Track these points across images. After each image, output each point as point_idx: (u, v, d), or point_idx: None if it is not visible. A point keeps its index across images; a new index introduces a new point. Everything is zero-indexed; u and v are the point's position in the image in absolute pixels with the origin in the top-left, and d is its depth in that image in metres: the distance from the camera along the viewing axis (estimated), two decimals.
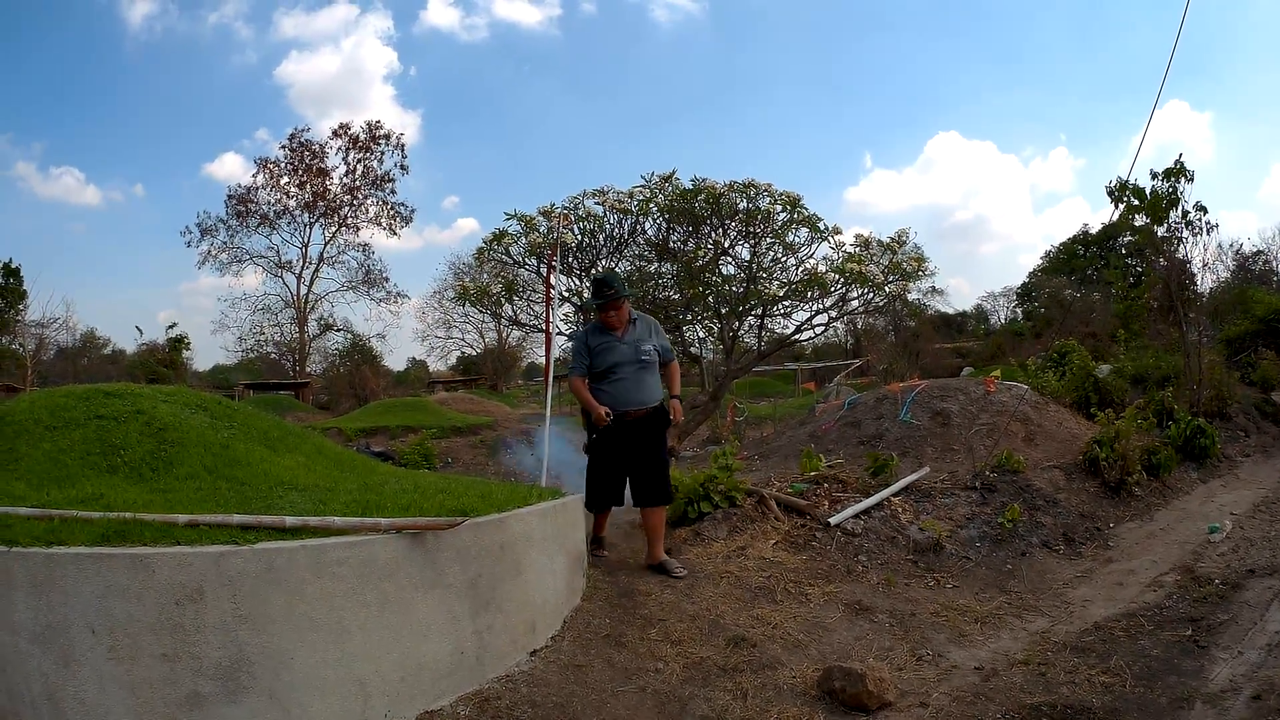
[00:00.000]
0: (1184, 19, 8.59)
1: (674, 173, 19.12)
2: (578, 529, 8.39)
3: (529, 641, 7.03)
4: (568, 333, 20.38)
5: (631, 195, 19.08)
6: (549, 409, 14.56)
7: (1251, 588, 8.59)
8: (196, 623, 5.07)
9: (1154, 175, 18.74)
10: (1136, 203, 18.87)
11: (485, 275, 21.53)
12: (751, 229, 18.98)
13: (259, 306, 65.40)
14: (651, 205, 19.02)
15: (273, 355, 68.79)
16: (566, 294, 19.60)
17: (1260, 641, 7.17)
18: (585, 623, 7.71)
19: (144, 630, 5.00)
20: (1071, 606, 8.75)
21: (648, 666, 7.00)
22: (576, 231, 19.17)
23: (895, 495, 11.30)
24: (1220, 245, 45.50)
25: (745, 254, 19.60)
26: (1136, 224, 20.69)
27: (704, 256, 18.78)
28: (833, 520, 10.32)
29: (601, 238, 19.66)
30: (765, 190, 18.56)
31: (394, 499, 6.91)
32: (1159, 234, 20.19)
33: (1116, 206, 19.15)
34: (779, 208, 18.65)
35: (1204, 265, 21.86)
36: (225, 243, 64.24)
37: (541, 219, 19.10)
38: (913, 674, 7.04)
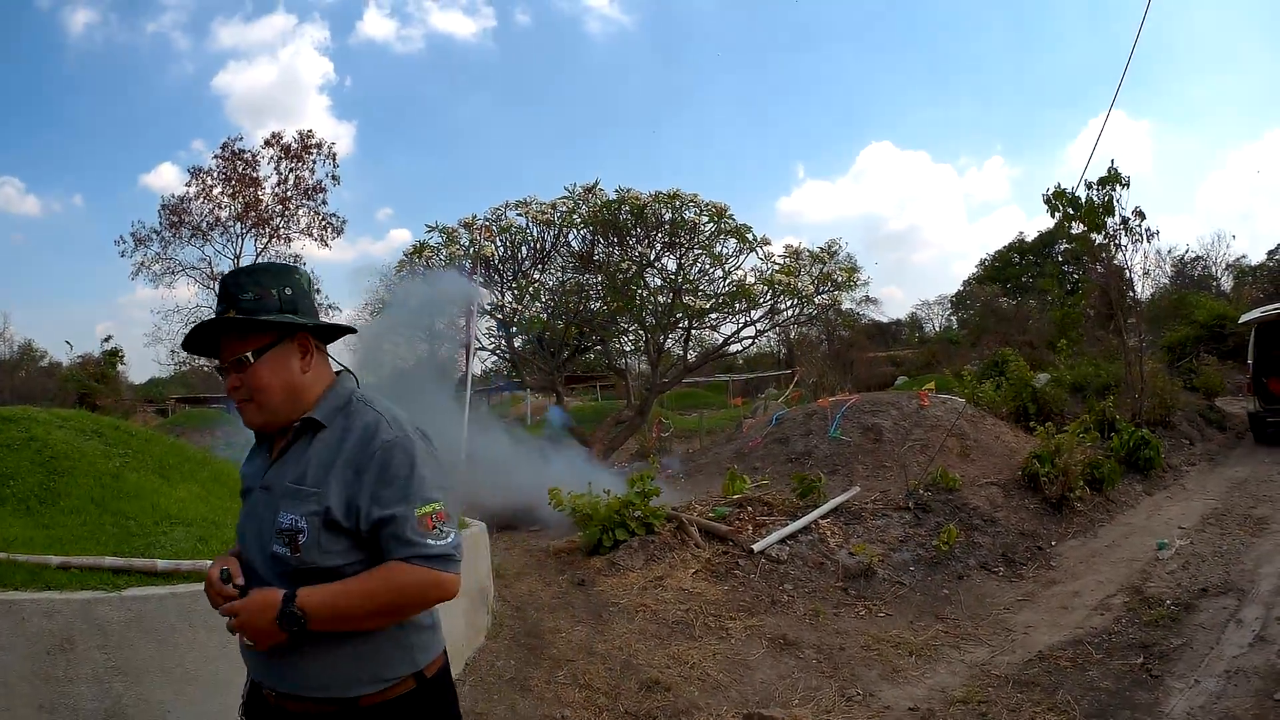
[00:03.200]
0: (1140, 31, 8.18)
1: (597, 183, 18.87)
2: (480, 562, 7.94)
3: None
4: (490, 347, 19.91)
5: (554, 206, 18.75)
6: (465, 428, 13.92)
7: (1205, 609, 8.17)
8: (69, 673, 4.89)
9: (1088, 185, 18.58)
10: (1072, 211, 18.62)
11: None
12: (677, 240, 18.59)
13: (192, 319, 64.64)
14: (575, 216, 18.64)
15: (206, 369, 67.95)
16: (488, 307, 19.11)
17: (1218, 668, 6.73)
18: (489, 665, 7.25)
19: (19, 679, 4.82)
20: (1013, 634, 8.25)
21: (553, 714, 6.49)
22: (499, 243, 18.74)
23: (824, 518, 10.82)
24: (1159, 252, 45.92)
25: (671, 265, 19.26)
26: (1074, 231, 20.48)
27: (628, 270, 18.33)
28: (756, 547, 9.79)
29: (525, 249, 19.26)
30: (691, 201, 18.29)
31: None
32: (1097, 241, 20.03)
33: (1053, 215, 18.89)
34: (705, 218, 18.30)
35: (1144, 273, 21.80)
36: (159, 254, 63.50)
37: (463, 230, 18.67)
38: (841, 717, 6.48)
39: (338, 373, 3.17)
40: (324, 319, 3.15)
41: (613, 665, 7.23)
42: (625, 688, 6.84)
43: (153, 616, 5.09)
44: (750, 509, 11.19)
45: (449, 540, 2.82)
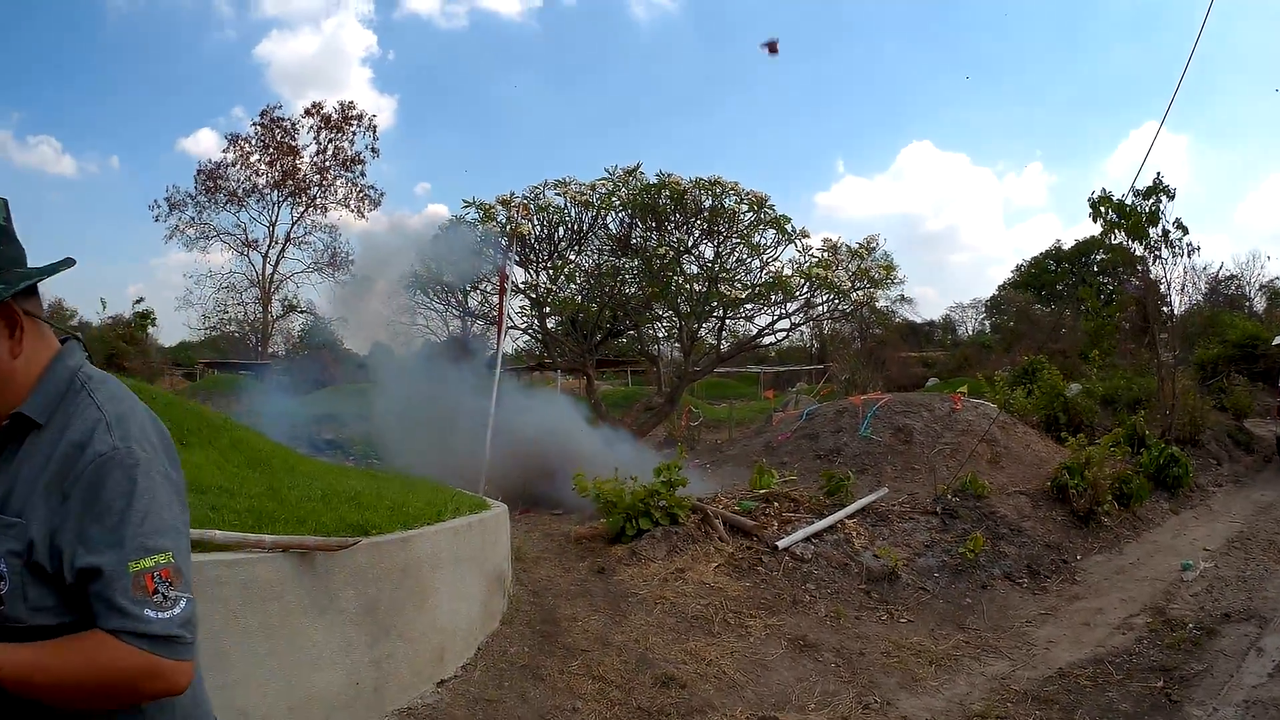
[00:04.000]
0: (1192, 54, 8.13)
1: (638, 166, 18.77)
2: (499, 545, 7.85)
3: (436, 671, 6.48)
4: (522, 326, 19.90)
5: (594, 188, 18.67)
6: (493, 406, 13.88)
7: (1227, 634, 8.07)
8: None
9: (1135, 193, 18.36)
10: (1116, 218, 18.42)
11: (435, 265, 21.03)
12: (716, 227, 18.51)
13: (224, 284, 64.73)
14: (614, 199, 18.57)
15: (236, 334, 68.00)
16: (523, 285, 19.09)
17: (1236, 697, 6.66)
18: (501, 650, 7.14)
19: None
20: (1034, 648, 8.18)
21: (564, 705, 6.44)
22: (536, 222, 18.69)
23: (850, 517, 10.74)
24: (1194, 268, 45.61)
25: (709, 253, 19.19)
26: (1115, 240, 20.28)
27: (665, 256, 18.25)
28: (781, 544, 9.72)
29: (562, 230, 19.21)
30: (731, 189, 18.15)
31: (294, 508, 6.34)
32: (1137, 252, 19.84)
33: (1095, 220, 18.68)
34: (745, 207, 18.22)
35: (1181, 289, 21.58)
36: (193, 218, 63.57)
37: (500, 208, 18.62)
38: None
39: (63, 341, 2.36)
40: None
41: (628, 658, 7.18)
42: (639, 681, 6.80)
43: None
44: (777, 504, 11.09)
45: (176, 611, 2.02)
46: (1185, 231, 18.89)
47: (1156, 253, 19.38)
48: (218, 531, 5.29)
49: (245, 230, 64.58)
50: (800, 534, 9.97)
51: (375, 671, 5.91)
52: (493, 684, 6.57)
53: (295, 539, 5.51)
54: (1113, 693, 6.93)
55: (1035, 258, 67.91)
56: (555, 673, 6.86)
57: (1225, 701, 6.58)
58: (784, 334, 21.22)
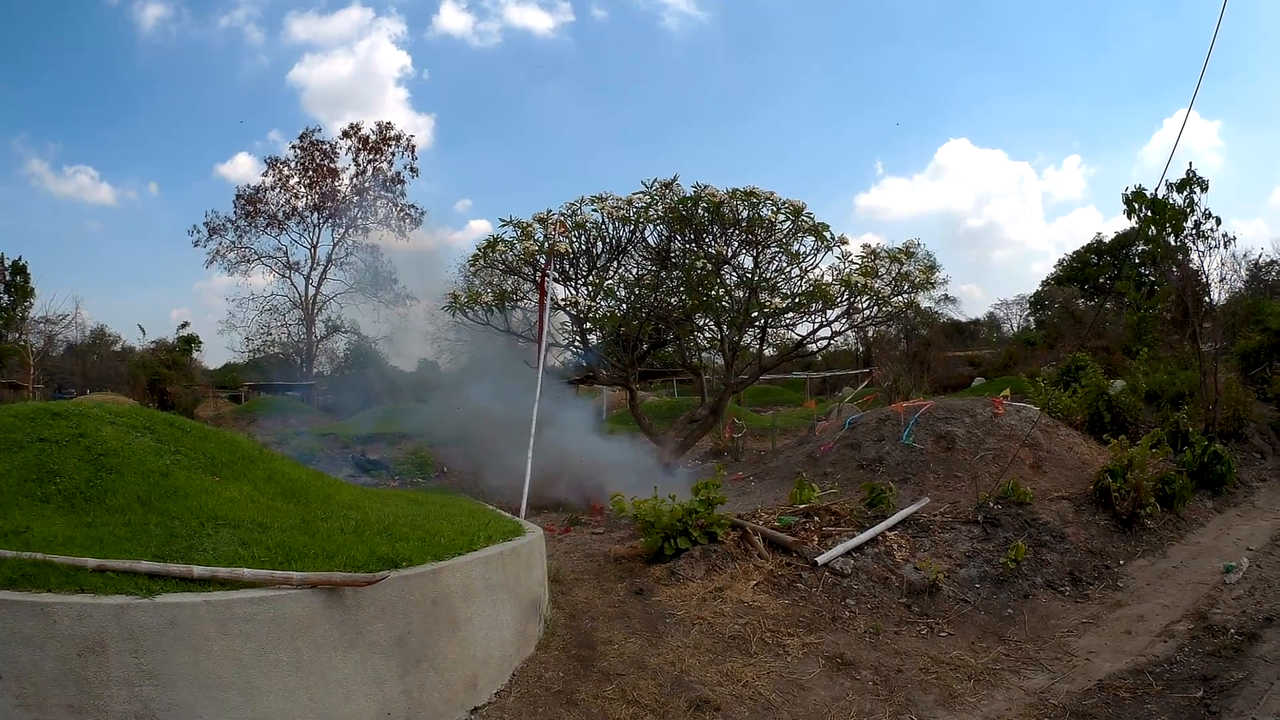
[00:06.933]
0: (1218, 27, 8.09)
1: (675, 179, 18.70)
2: (533, 571, 7.86)
3: (469, 699, 6.53)
4: (563, 343, 19.91)
5: (630, 202, 18.62)
6: (534, 426, 13.91)
7: (1269, 639, 8.00)
8: (100, 675, 4.89)
9: (1169, 186, 18.24)
10: (1150, 213, 18.29)
11: (477, 282, 21.08)
12: (754, 237, 18.46)
13: (266, 307, 65.12)
14: (651, 212, 18.56)
15: (280, 356, 68.35)
16: (563, 303, 19.11)
17: (1276, 706, 6.61)
18: (536, 676, 7.17)
19: (49, 680, 4.83)
20: (1075, 659, 8.15)
21: None
22: (575, 238, 18.71)
23: (891, 529, 10.69)
24: (1234, 256, 44.95)
25: (748, 263, 19.14)
26: (1150, 234, 20.11)
27: (703, 268, 18.23)
28: (820, 559, 9.68)
29: (600, 245, 19.22)
30: (767, 199, 18.06)
31: (325, 542, 6.44)
32: (1173, 245, 19.69)
33: (1129, 217, 18.54)
34: (782, 216, 18.13)
35: (1221, 280, 21.35)
36: (233, 243, 63.98)
37: (537, 226, 18.64)
38: None
39: None
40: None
41: (663, 681, 7.19)
42: (674, 705, 6.81)
43: (187, 623, 5.10)
44: (817, 519, 11.05)
45: None
46: (1218, 222, 18.72)
47: (1192, 245, 19.25)
48: (246, 570, 5.48)
49: (286, 253, 65.18)
50: (840, 549, 9.94)
51: (407, 701, 5.98)
52: (526, 710, 6.61)
53: (323, 575, 5.60)
54: (1151, 704, 6.90)
55: (1077, 251, 67.74)
56: (590, 698, 6.88)
57: (1265, 711, 6.54)
58: (826, 341, 21.16)
